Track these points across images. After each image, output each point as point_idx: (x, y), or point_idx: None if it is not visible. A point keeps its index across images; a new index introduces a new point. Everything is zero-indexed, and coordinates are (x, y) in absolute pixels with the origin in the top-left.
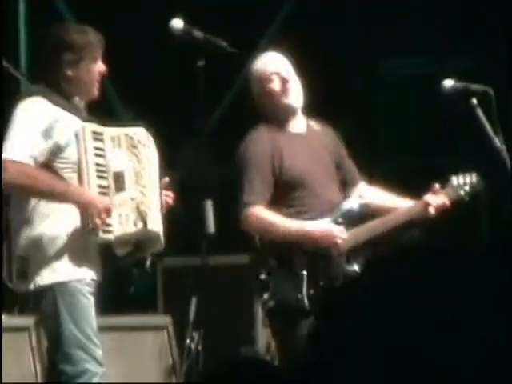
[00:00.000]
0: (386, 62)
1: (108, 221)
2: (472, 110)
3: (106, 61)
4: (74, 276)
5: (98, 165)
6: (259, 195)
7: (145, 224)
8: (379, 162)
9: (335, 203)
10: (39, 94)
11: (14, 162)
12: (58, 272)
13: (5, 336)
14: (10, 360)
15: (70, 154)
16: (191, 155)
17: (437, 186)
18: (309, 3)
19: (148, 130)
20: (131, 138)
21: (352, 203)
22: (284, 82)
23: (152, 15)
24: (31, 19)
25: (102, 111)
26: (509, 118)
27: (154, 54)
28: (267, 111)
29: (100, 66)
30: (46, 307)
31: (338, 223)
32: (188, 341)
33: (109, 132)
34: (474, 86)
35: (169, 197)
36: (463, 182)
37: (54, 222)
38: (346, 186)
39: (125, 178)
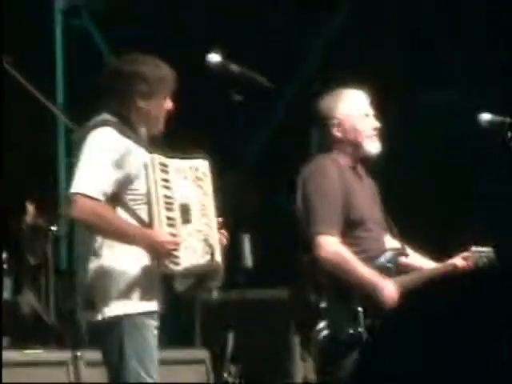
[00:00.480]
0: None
1: (176, 253)
2: (508, 143)
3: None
4: (141, 309)
5: (165, 196)
6: (335, 226)
7: (212, 256)
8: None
9: (385, 249)
10: (108, 125)
11: (85, 198)
12: (127, 304)
13: (43, 370)
14: None
15: (139, 185)
16: (229, 187)
17: (467, 253)
18: (347, 35)
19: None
20: (196, 170)
21: (394, 253)
22: (374, 126)
23: (190, 48)
24: (68, 55)
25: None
26: None
27: (192, 84)
28: (344, 147)
29: (169, 103)
30: (112, 339)
31: (387, 268)
32: (226, 375)
33: (174, 164)
34: (510, 120)
35: (223, 235)
36: (484, 253)
37: (122, 253)
38: None
39: (191, 210)
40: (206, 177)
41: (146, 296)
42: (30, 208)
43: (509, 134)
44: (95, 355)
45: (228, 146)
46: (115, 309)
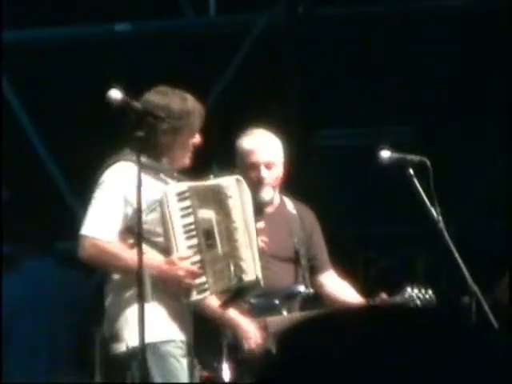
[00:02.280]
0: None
1: (202, 279)
2: (409, 180)
3: None
4: (164, 337)
5: (185, 226)
6: None
7: (240, 279)
8: None
9: (285, 286)
10: (126, 160)
11: (93, 240)
12: (149, 333)
13: None
14: None
15: (155, 217)
16: None
17: (384, 295)
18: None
19: None
20: (218, 191)
21: (298, 288)
22: (267, 173)
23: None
24: None
25: None
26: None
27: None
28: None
29: (196, 138)
30: (138, 369)
31: (279, 303)
32: None
33: (194, 189)
34: (411, 157)
35: (264, 242)
36: (416, 295)
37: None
38: (312, 272)
39: (215, 234)
40: (228, 197)
41: (169, 325)
42: None
43: (410, 171)
44: None
45: None
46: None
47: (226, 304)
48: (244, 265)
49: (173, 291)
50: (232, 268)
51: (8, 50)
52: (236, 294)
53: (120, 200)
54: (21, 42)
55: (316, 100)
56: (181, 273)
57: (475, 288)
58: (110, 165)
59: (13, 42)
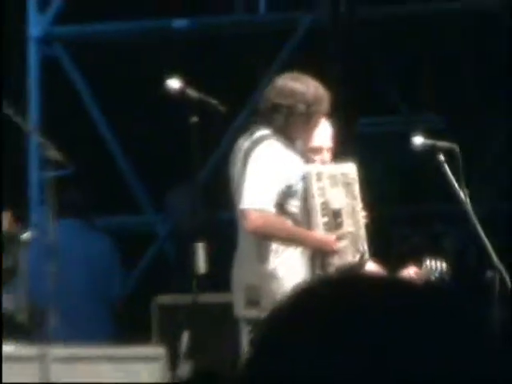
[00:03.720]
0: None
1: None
2: (439, 165)
3: None
4: None
5: (321, 204)
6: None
7: (362, 256)
8: None
9: None
10: (272, 139)
11: (257, 212)
12: None
13: (14, 366)
14: None
15: (298, 194)
16: (184, 201)
17: (415, 269)
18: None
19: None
20: (346, 175)
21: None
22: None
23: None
24: (41, 81)
25: None
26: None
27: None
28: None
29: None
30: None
31: None
32: (179, 370)
33: (327, 172)
34: (441, 143)
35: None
36: (435, 267)
37: (286, 258)
38: None
39: (342, 215)
40: (354, 181)
41: None
42: (6, 216)
43: (440, 157)
44: (63, 351)
45: (185, 164)
46: None
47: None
48: (365, 244)
49: (312, 264)
50: (355, 246)
51: (77, 43)
52: (351, 270)
53: (276, 175)
54: (89, 35)
55: (355, 90)
56: (328, 240)
57: (499, 265)
58: (257, 142)
59: (81, 36)
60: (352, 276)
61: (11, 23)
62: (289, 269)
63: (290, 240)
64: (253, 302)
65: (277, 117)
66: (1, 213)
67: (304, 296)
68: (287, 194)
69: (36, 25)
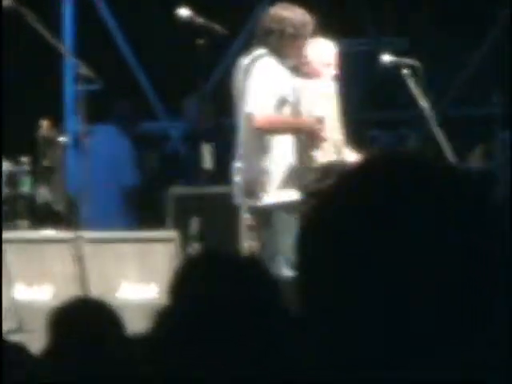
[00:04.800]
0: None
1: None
2: (404, 78)
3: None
4: (293, 197)
5: (307, 111)
6: None
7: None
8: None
9: None
10: (269, 56)
11: (260, 113)
12: (282, 194)
13: (52, 246)
14: (59, 265)
15: (290, 102)
16: (196, 107)
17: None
18: None
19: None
20: (327, 89)
21: None
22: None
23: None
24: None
25: None
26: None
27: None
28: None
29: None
30: (269, 220)
31: None
32: (189, 250)
33: (312, 86)
34: (405, 60)
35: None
36: None
37: (275, 155)
38: None
39: (324, 121)
40: (334, 94)
41: (292, 188)
42: (44, 123)
43: (405, 72)
44: (93, 234)
45: (194, 78)
46: (272, 197)
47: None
48: (341, 147)
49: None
50: (336, 148)
51: None
52: (332, 165)
53: (273, 85)
54: None
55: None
56: (321, 133)
57: (452, 158)
58: (257, 58)
59: None
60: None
61: None
62: (277, 165)
63: (288, 130)
64: (249, 193)
65: (270, 39)
66: None
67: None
68: (281, 101)
69: None
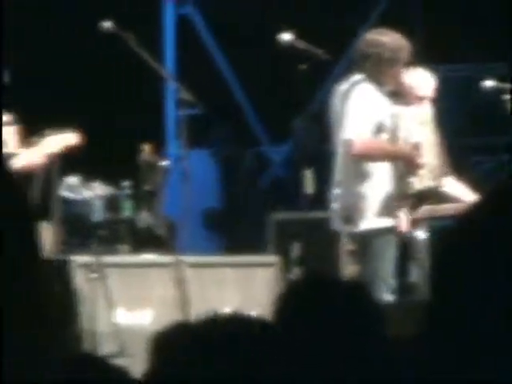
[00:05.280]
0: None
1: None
2: (505, 103)
3: None
4: (386, 224)
5: (404, 137)
6: None
7: (437, 182)
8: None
9: None
10: (366, 82)
11: (358, 139)
12: (380, 220)
13: (153, 270)
14: (160, 289)
15: (387, 129)
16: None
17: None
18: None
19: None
20: (424, 115)
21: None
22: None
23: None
24: (176, 38)
25: None
26: None
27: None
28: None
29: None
30: (369, 246)
31: None
32: (290, 275)
33: (410, 112)
34: (506, 85)
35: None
36: None
37: (374, 182)
38: None
39: (421, 147)
40: (431, 121)
41: (391, 214)
42: (146, 147)
43: (506, 97)
44: (194, 259)
45: (299, 99)
46: (370, 223)
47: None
48: (438, 173)
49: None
50: (433, 174)
51: (205, 2)
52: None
53: (370, 112)
54: None
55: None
56: (418, 159)
57: None
58: (353, 85)
59: None
60: None
61: None
62: (375, 190)
63: (386, 156)
64: (347, 219)
65: (367, 64)
66: None
67: None
68: (378, 127)
69: None
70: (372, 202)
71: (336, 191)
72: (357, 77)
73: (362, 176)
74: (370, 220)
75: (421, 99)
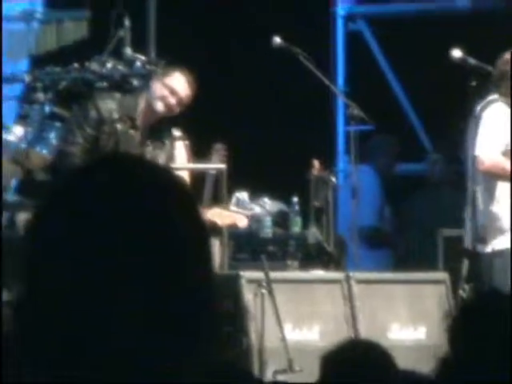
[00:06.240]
0: None
1: None
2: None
3: None
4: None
5: None
6: None
7: None
8: None
9: None
10: (500, 102)
11: (487, 156)
12: (509, 240)
13: (322, 286)
14: (328, 305)
15: None
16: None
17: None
18: None
19: None
20: None
21: None
22: None
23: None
24: (346, 53)
25: None
26: None
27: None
28: None
29: None
30: (496, 267)
31: None
32: (461, 291)
33: None
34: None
35: None
36: None
37: (506, 203)
38: None
39: None
40: None
41: None
42: (316, 163)
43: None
44: (363, 275)
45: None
46: (502, 243)
47: None
48: None
49: None
50: None
51: (376, 20)
52: None
53: (502, 131)
54: (385, 13)
55: None
56: None
57: None
58: (488, 104)
59: (380, 14)
60: None
61: (318, 2)
62: (507, 211)
63: None
64: (479, 239)
65: (503, 83)
66: None
67: None
68: (509, 148)
69: (342, 4)
70: (504, 222)
71: (468, 210)
72: (492, 96)
73: (494, 196)
74: (503, 240)
75: None
